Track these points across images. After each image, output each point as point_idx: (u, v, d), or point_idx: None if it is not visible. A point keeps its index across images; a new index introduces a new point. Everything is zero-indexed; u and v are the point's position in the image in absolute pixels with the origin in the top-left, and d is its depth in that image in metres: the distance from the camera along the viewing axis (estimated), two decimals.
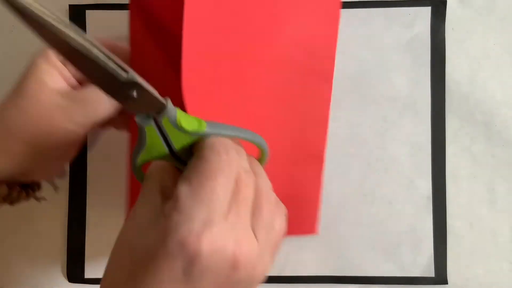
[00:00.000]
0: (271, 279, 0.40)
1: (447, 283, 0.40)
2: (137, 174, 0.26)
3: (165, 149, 0.25)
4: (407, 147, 0.40)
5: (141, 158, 0.25)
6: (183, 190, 0.22)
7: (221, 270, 0.22)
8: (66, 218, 0.41)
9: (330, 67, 0.34)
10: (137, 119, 0.24)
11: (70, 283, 0.40)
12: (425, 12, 0.41)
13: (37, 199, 0.34)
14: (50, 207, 0.41)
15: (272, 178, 0.26)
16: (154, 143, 0.24)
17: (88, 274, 0.40)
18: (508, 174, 0.41)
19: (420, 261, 0.40)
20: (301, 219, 0.37)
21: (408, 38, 0.41)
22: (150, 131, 0.24)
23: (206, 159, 0.23)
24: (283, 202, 0.26)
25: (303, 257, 0.40)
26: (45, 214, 0.41)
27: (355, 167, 0.40)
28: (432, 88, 0.40)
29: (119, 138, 0.40)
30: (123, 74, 0.21)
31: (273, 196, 0.25)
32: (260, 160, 0.27)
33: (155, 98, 0.22)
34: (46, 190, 0.41)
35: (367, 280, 0.40)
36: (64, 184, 0.41)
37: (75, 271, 0.40)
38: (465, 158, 0.41)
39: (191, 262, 0.21)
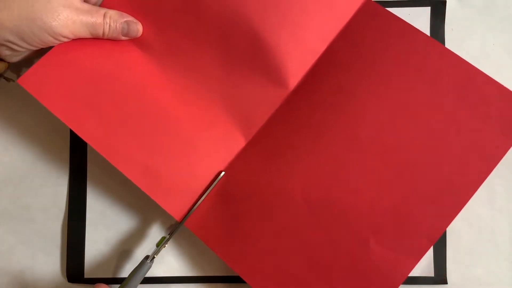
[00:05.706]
0: None
1: (446, 283, 0.40)
2: None
3: None
4: None
5: None
6: None
7: None
8: (66, 218, 0.41)
9: None
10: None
11: (69, 283, 0.40)
12: (425, 12, 0.41)
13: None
14: (50, 207, 0.41)
15: None
16: None
17: (88, 274, 0.40)
18: (507, 174, 0.41)
19: (420, 261, 0.40)
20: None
21: None
22: None
23: None
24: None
25: None
26: (45, 214, 0.41)
27: None
28: None
29: None
30: None
31: None
32: None
33: None
34: (45, 185, 0.41)
35: None
36: (64, 183, 0.41)
37: (75, 271, 0.40)
38: None
39: None
